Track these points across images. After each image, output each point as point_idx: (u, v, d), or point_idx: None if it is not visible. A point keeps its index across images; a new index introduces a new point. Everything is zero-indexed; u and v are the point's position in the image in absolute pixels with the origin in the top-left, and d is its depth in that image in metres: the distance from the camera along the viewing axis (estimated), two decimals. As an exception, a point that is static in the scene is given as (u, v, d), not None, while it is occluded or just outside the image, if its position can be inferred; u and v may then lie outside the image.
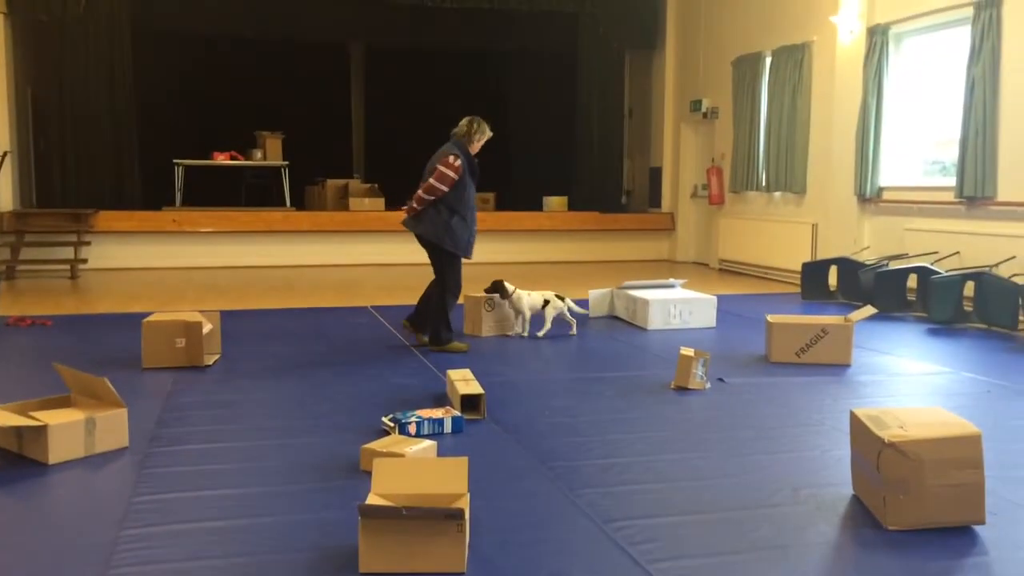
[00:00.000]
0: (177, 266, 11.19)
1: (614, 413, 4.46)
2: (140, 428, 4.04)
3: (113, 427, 3.79)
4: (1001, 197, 7.73)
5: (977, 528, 2.99)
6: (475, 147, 5.86)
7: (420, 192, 5.77)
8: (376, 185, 12.76)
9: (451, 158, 5.70)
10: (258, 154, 12.16)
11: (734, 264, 11.74)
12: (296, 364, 5.58)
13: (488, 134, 5.90)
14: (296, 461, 3.64)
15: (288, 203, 12.15)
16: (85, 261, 10.40)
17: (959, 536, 2.94)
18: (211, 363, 5.51)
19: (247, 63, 13.33)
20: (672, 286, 7.70)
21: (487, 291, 6.47)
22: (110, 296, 8.82)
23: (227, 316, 6.40)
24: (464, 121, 5.88)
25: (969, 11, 7.97)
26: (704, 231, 12.86)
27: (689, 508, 3.17)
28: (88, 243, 10.58)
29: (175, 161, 11.70)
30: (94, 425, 3.71)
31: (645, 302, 7.08)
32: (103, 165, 11.62)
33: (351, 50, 14.46)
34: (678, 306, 7.12)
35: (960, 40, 8.22)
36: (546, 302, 6.55)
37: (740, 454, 3.82)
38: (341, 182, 12.73)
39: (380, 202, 12.33)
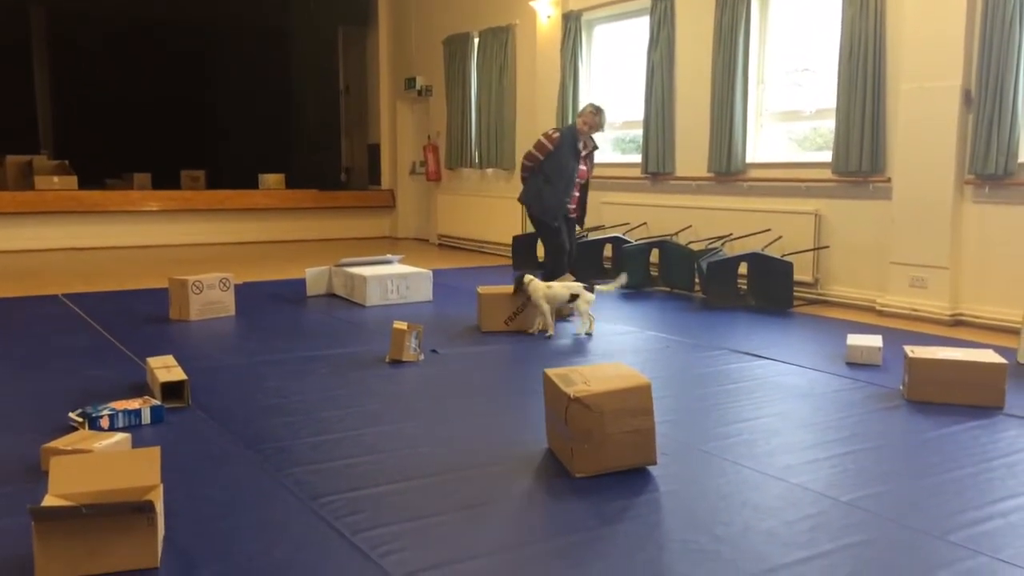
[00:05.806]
0: None
1: (327, 391, 4.45)
2: None
3: None
4: (679, 172, 8.62)
5: (651, 468, 3.35)
6: (583, 129, 6.56)
7: (523, 160, 6.67)
8: (67, 162, 11.63)
9: (551, 131, 6.59)
10: (-85, 126, 10.60)
11: (452, 239, 12.08)
12: (-33, 363, 4.98)
13: (600, 120, 6.58)
14: (-37, 470, 3.27)
15: (-43, 182, 10.73)
16: None
17: (635, 477, 3.28)
18: None
19: None
20: (389, 262, 7.79)
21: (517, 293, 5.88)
22: None
23: None
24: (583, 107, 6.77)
25: (647, 2, 8.74)
26: (424, 207, 13.09)
27: (396, 477, 3.25)
28: None
29: None
30: None
31: (363, 279, 7.10)
32: None
33: (31, 11, 12.96)
34: (395, 281, 7.22)
35: (641, 28, 9.01)
36: (574, 296, 5.86)
37: (449, 421, 3.97)
38: (24, 158, 11.45)
39: (72, 180, 11.24)
